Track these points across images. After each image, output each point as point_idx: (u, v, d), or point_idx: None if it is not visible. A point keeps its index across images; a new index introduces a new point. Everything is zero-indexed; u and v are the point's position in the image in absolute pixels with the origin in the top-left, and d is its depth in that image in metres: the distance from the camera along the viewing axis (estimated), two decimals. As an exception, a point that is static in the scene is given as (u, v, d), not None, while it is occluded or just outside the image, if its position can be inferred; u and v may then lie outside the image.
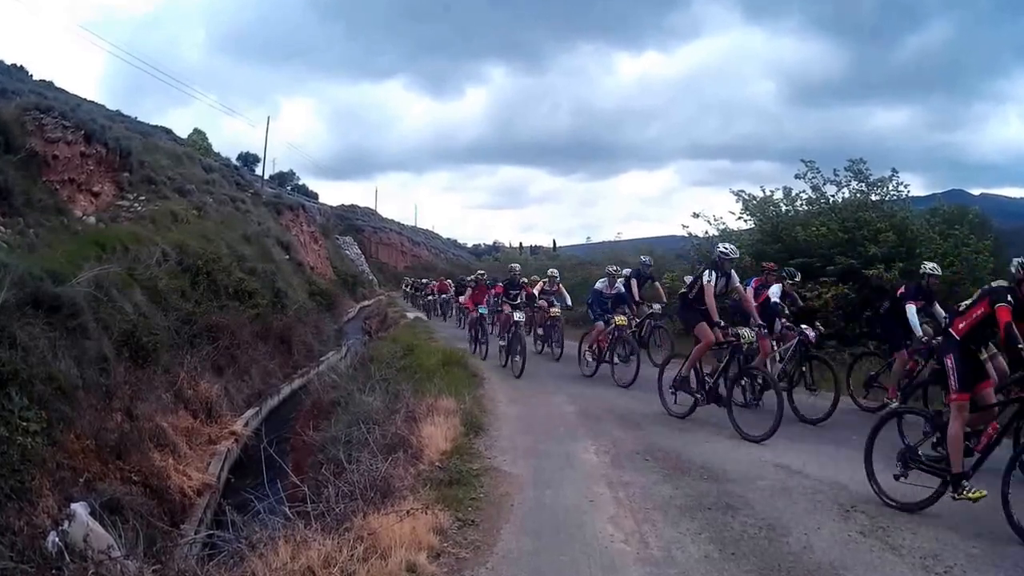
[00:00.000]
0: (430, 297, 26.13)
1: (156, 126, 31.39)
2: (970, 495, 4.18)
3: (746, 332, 6.75)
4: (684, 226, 15.87)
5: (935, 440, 4.61)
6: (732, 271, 7.22)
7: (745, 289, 7.61)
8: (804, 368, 7.72)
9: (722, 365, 6.97)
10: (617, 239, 31.88)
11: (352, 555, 3.51)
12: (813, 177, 13.59)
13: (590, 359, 9.97)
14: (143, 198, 16.75)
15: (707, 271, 7.12)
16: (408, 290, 38.01)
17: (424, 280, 32.76)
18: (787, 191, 14.00)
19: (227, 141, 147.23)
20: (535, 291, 12.49)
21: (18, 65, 23.25)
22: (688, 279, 8.34)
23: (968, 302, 4.65)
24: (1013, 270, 4.46)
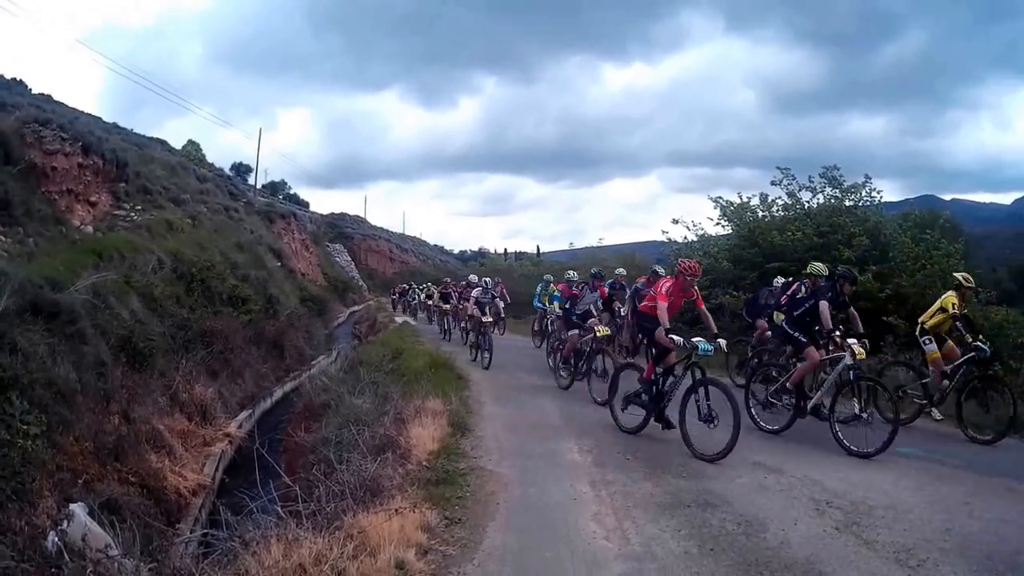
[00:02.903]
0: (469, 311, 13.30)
1: (152, 138, 31.23)
2: None
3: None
4: (664, 232, 16.24)
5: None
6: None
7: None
8: None
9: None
10: (599, 244, 32.12)
11: (342, 553, 3.59)
12: (789, 184, 13.91)
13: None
14: (139, 208, 16.81)
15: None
16: (423, 299, 25.27)
17: (468, 281, 15.77)
18: (763, 197, 14.34)
19: (223, 152, 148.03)
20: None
21: (17, 79, 23.15)
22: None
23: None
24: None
